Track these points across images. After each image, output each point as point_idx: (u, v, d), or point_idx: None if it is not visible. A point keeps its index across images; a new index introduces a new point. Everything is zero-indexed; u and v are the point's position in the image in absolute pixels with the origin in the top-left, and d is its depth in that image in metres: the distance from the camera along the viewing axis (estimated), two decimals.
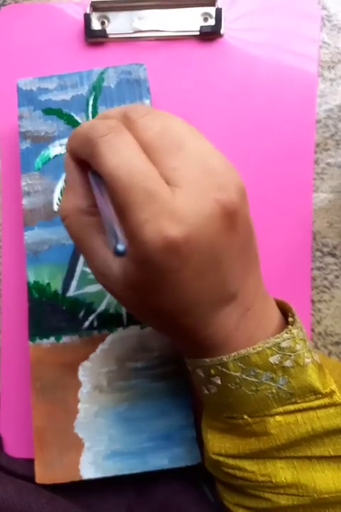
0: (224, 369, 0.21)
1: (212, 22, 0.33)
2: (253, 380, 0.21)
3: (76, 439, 0.28)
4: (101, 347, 0.29)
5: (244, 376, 0.21)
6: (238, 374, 0.21)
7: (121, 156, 0.18)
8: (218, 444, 0.23)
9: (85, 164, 0.21)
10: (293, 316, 0.22)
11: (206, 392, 0.23)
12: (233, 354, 0.21)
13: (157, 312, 0.20)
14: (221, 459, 0.23)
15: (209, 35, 0.33)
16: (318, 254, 0.32)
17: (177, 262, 0.18)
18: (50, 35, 0.34)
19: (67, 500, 0.27)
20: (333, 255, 0.32)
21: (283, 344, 0.21)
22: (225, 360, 0.21)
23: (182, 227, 0.17)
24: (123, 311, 0.29)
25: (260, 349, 0.20)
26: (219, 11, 0.32)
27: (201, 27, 0.32)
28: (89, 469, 0.28)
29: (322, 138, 0.33)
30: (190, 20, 0.33)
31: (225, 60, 0.33)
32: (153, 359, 0.29)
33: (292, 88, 0.33)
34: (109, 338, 0.29)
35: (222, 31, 0.32)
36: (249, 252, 0.21)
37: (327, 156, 0.32)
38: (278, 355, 0.21)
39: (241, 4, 0.33)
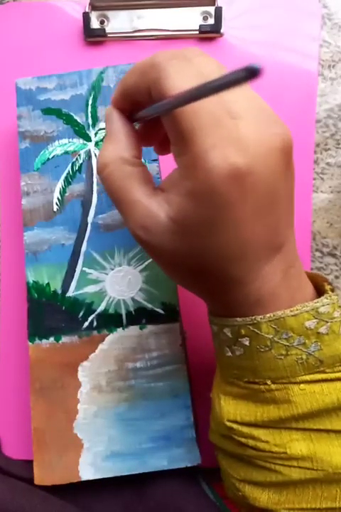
0: (256, 329, 0.20)
1: (211, 21, 0.32)
2: (284, 343, 0.20)
3: (75, 440, 0.28)
4: (100, 347, 0.29)
5: (276, 338, 0.20)
6: (270, 336, 0.20)
7: (189, 79, 0.18)
8: (233, 410, 0.22)
9: (129, 115, 0.21)
10: (330, 284, 0.22)
11: (229, 354, 0.22)
12: (268, 315, 0.20)
13: (204, 260, 0.19)
14: (235, 426, 0.22)
15: (209, 34, 0.33)
16: (318, 254, 0.32)
17: (238, 195, 0.18)
18: (49, 34, 0.33)
19: (61, 500, 0.27)
20: (333, 255, 0.32)
21: (322, 309, 0.20)
22: (259, 319, 0.20)
23: (248, 157, 0.17)
24: (123, 311, 0.29)
25: (297, 312, 0.20)
26: (218, 10, 0.32)
27: (200, 26, 0.32)
28: (88, 470, 0.28)
29: (322, 137, 0.32)
30: (190, 19, 0.33)
31: (225, 59, 0.33)
32: (153, 359, 0.29)
33: (292, 87, 0.33)
34: (109, 338, 0.29)
35: (221, 30, 0.32)
36: (293, 202, 0.21)
37: (327, 156, 0.32)
38: (314, 320, 0.20)
39: (240, 3, 0.33)
